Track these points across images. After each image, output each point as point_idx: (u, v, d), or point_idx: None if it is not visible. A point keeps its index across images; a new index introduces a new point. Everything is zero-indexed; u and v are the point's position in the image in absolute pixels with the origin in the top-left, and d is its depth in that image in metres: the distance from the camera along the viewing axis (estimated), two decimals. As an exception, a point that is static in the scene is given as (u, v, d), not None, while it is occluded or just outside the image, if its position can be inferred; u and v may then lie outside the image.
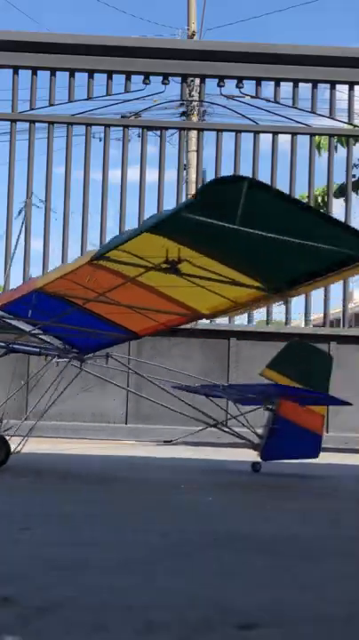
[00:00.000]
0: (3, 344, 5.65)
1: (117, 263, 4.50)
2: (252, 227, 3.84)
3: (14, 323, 5.60)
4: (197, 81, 13.51)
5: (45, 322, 5.41)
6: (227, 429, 6.30)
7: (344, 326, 10.96)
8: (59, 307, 5.27)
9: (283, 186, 11.03)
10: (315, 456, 6.17)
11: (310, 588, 1.93)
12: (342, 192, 13.73)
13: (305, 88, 11.02)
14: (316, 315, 12.18)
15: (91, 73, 10.94)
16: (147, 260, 4.46)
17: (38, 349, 5.91)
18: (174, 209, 3.98)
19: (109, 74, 10.96)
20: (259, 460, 6.06)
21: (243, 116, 11.26)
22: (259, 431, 6.13)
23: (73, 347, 5.99)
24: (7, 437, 5.48)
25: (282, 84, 10.96)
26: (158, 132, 11.64)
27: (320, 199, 16.82)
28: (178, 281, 4.63)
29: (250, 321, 10.89)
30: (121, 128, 11.34)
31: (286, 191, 11.07)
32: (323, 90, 11.08)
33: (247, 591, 1.87)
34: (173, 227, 3.98)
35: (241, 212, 3.66)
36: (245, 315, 10.89)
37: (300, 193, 15.24)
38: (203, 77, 11.31)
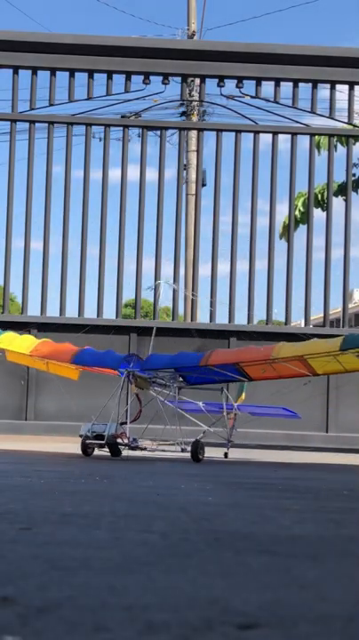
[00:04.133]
0: (151, 376, 7.69)
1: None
2: None
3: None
4: (197, 81, 13.53)
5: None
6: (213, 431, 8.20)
7: (344, 326, 10.96)
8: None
9: (283, 185, 11.05)
10: None
11: (310, 587, 1.93)
12: (342, 191, 13.75)
13: (305, 88, 11.03)
14: (316, 315, 12.20)
15: (91, 73, 10.94)
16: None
17: (165, 382, 7.94)
18: None
19: (109, 74, 10.97)
20: (227, 451, 8.26)
21: (243, 116, 11.28)
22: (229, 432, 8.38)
23: (184, 381, 8.18)
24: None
25: (282, 83, 10.97)
26: (158, 132, 11.65)
27: (319, 196, 16.84)
28: (329, 358, 7.27)
29: (249, 321, 10.89)
30: (121, 128, 11.35)
31: (286, 191, 11.10)
32: (323, 90, 11.09)
33: (247, 591, 1.87)
34: None
35: None
36: (245, 315, 10.90)
37: (300, 190, 15.28)
38: (203, 77, 11.31)
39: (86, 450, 7.21)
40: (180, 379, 8.17)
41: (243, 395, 8.91)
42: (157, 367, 7.74)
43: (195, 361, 7.71)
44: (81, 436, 7.12)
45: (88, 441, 7.09)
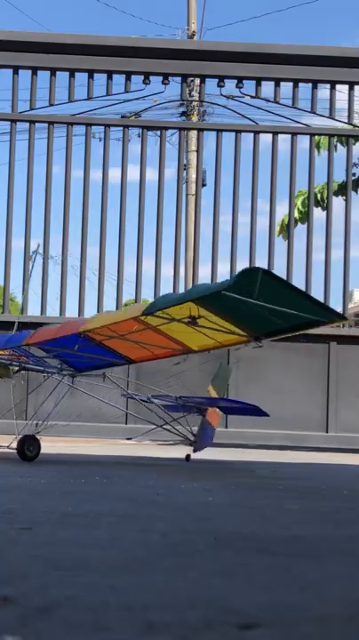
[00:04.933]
0: (17, 363, 7.09)
1: (153, 317, 6.19)
2: (261, 300, 5.58)
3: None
4: (197, 81, 13.52)
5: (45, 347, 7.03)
6: (171, 429, 7.63)
7: (344, 326, 10.95)
8: (79, 340, 6.80)
9: (282, 185, 11.05)
10: (210, 444, 7.89)
11: (310, 587, 1.93)
12: (342, 190, 13.75)
13: (305, 88, 11.03)
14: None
15: (91, 73, 10.94)
16: (175, 315, 6.11)
17: (43, 368, 7.30)
18: (216, 289, 5.71)
19: (109, 74, 10.96)
20: (191, 453, 7.44)
21: (243, 116, 11.27)
22: (195, 430, 7.64)
23: (71, 368, 7.42)
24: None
25: (282, 83, 10.96)
26: (158, 132, 11.65)
27: (319, 195, 16.84)
28: (186, 328, 6.33)
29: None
30: (121, 128, 11.35)
31: (286, 189, 11.10)
32: (323, 90, 11.09)
33: (247, 591, 1.87)
34: (209, 300, 5.76)
35: (257, 290, 5.44)
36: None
37: (300, 189, 15.27)
38: (203, 77, 11.30)
39: None
40: (65, 365, 7.35)
41: (214, 389, 7.96)
42: None
43: (19, 340, 6.88)
44: None
45: None
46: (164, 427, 7.61)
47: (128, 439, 7.86)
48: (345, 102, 11.19)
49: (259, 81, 10.97)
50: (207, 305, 5.89)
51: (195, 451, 7.50)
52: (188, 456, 7.36)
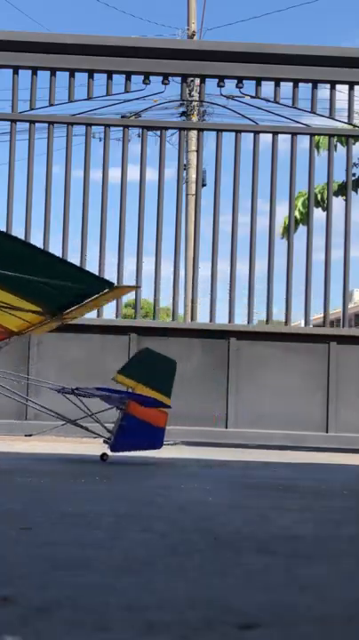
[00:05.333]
0: None
1: None
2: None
3: None
4: (197, 81, 13.53)
5: None
6: (80, 426, 7.05)
7: (344, 326, 10.96)
8: None
9: (282, 185, 11.05)
10: (159, 447, 6.95)
11: (310, 587, 1.93)
12: (342, 190, 13.76)
13: (305, 88, 11.03)
14: (316, 315, 12.19)
15: (91, 73, 10.94)
16: None
17: None
18: None
19: (109, 74, 10.96)
20: (108, 451, 6.68)
21: (243, 116, 11.27)
22: (110, 427, 6.83)
23: None
24: None
25: (282, 84, 10.96)
26: (158, 132, 11.64)
27: (319, 196, 16.85)
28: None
29: (250, 321, 10.89)
30: (121, 128, 11.35)
31: (286, 190, 11.11)
32: (323, 90, 11.09)
33: (247, 591, 1.87)
34: None
35: None
36: (245, 314, 10.90)
37: (300, 190, 15.26)
38: (203, 77, 11.30)
39: None
40: None
41: (135, 381, 6.96)
42: None
43: None
44: None
45: None
46: (74, 423, 6.96)
47: (27, 436, 7.48)
48: (345, 102, 11.19)
49: (259, 81, 10.97)
50: None
51: (112, 450, 6.70)
52: (104, 454, 6.60)
